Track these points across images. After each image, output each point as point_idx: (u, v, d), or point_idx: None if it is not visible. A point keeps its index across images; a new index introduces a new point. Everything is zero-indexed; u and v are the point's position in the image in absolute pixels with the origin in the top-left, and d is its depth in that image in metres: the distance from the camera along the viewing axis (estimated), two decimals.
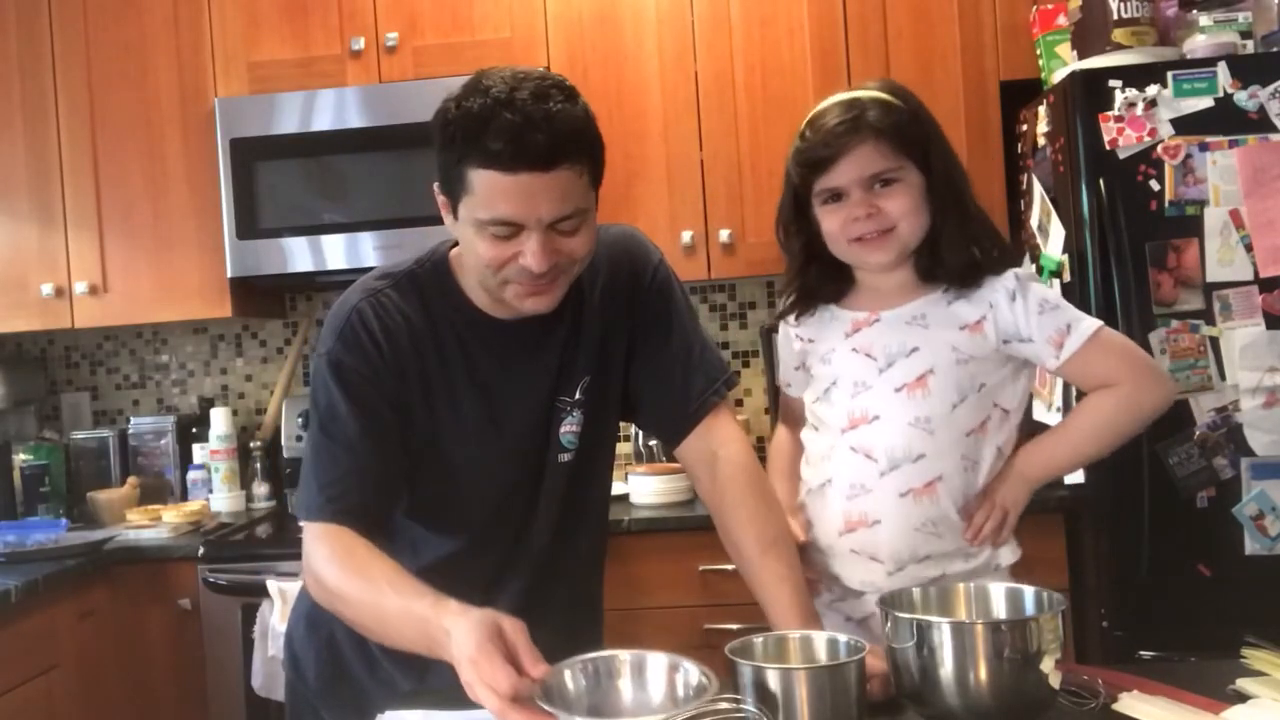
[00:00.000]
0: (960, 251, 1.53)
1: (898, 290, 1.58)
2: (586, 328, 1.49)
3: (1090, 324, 1.51)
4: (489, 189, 1.30)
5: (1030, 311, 1.51)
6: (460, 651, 1.14)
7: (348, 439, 1.40)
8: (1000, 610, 1.30)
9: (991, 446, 1.55)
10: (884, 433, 1.55)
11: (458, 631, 1.16)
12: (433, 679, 1.49)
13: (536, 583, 1.51)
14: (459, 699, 1.35)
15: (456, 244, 1.49)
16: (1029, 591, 1.28)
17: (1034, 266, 2.61)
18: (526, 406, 1.47)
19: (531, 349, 1.47)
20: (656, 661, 1.20)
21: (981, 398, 1.54)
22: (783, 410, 1.79)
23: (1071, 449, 1.58)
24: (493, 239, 1.33)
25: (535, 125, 1.26)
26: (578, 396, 1.49)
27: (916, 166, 1.52)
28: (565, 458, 1.50)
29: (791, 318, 1.67)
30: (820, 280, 1.62)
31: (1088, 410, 1.55)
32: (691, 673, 1.16)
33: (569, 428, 1.49)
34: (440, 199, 1.40)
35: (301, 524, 1.42)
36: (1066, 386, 2.43)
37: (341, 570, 1.35)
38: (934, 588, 1.35)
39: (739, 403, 3.18)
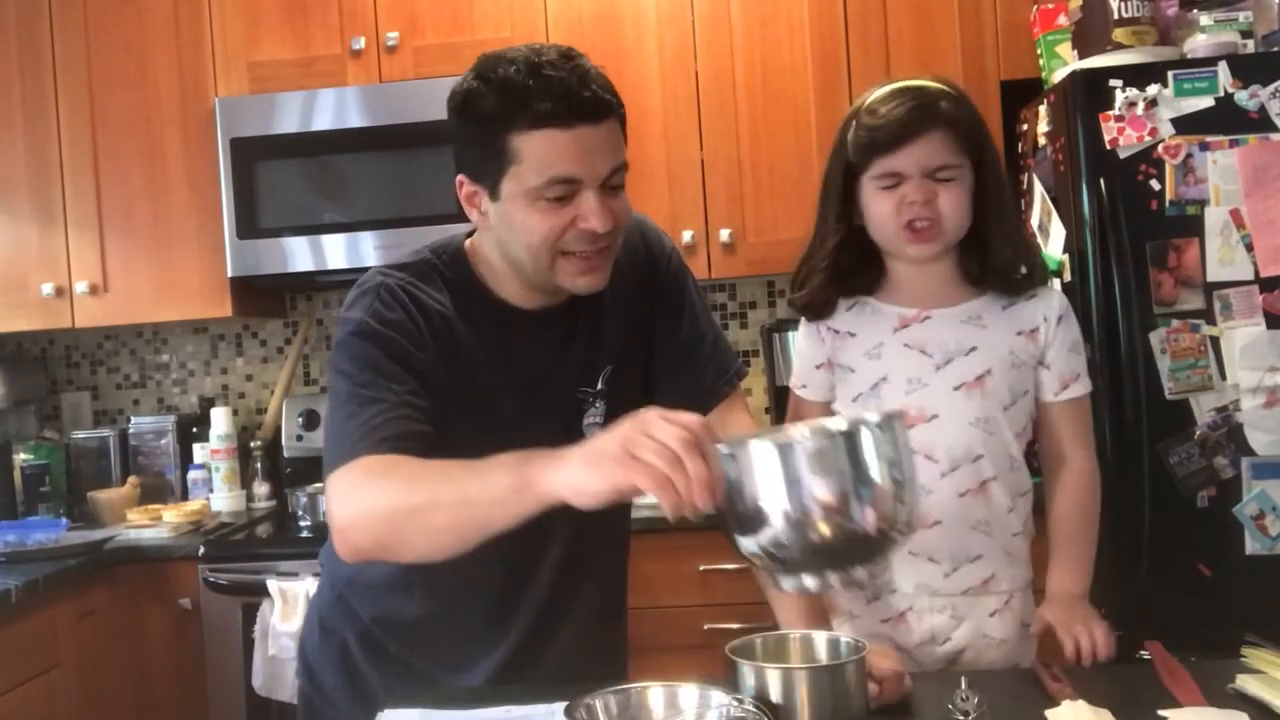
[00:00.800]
0: (1007, 254, 1.54)
1: (944, 288, 1.57)
2: (608, 316, 1.48)
3: (1084, 386, 1.58)
4: (544, 149, 1.27)
5: (1064, 343, 1.56)
6: (618, 428, 1.06)
7: (391, 388, 1.31)
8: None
9: (1026, 453, 1.59)
10: (945, 432, 1.53)
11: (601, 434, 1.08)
12: (450, 679, 1.48)
13: (561, 581, 1.49)
14: (461, 699, 1.35)
15: (471, 234, 1.48)
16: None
17: None
18: (550, 399, 1.45)
19: (555, 340, 1.45)
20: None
21: (1026, 402, 1.56)
22: (793, 418, 1.69)
23: (1087, 546, 1.59)
24: (547, 207, 1.30)
25: (580, 80, 1.27)
26: (600, 387, 1.48)
27: (972, 167, 1.52)
28: None
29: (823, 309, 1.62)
30: (854, 264, 1.58)
31: (1070, 511, 1.58)
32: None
33: (592, 419, 1.48)
34: (467, 190, 1.36)
35: (329, 480, 1.27)
36: None
37: (401, 480, 1.21)
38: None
39: None
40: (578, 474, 1.07)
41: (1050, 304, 1.55)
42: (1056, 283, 2.46)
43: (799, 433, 1.06)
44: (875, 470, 1.05)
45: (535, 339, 1.44)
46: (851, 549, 1.06)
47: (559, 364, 1.46)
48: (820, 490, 1.02)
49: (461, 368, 1.40)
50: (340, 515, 1.25)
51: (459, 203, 1.40)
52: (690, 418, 1.05)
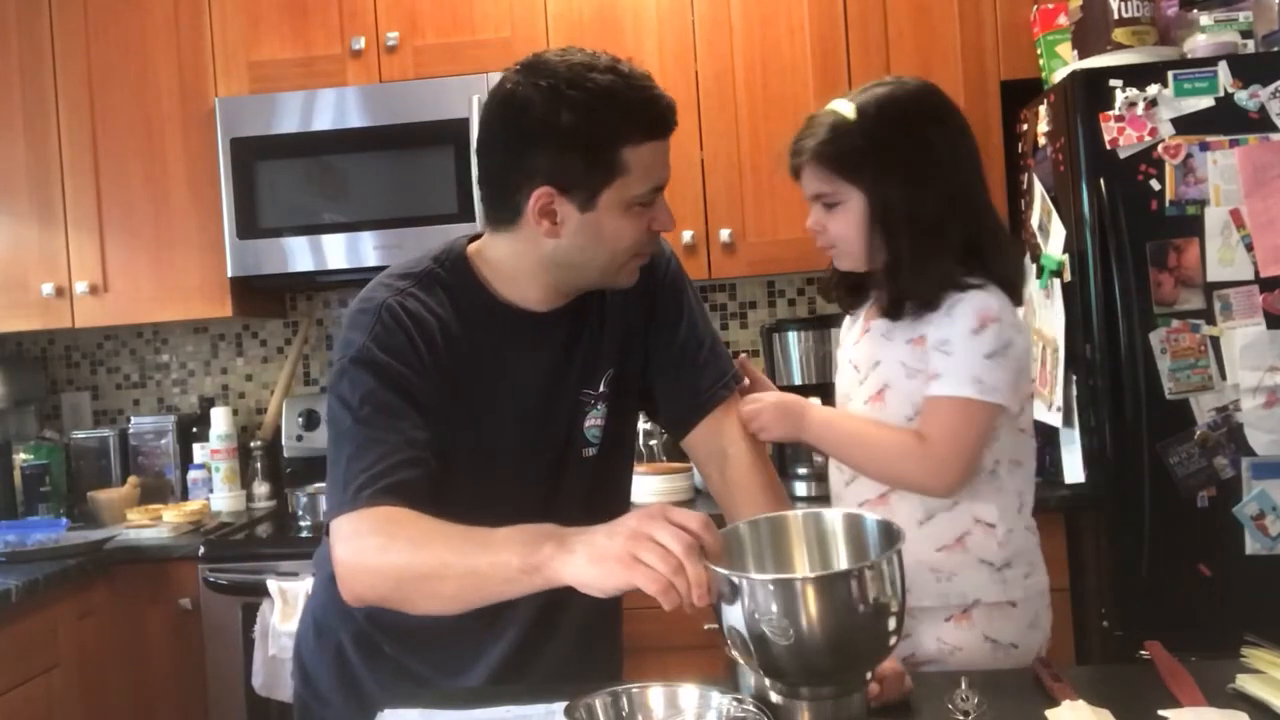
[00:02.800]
0: (898, 281, 1.51)
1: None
2: (610, 320, 1.49)
3: (946, 388, 1.47)
4: (651, 160, 1.34)
5: (931, 342, 1.50)
6: (623, 525, 1.10)
7: (392, 424, 1.31)
8: (840, 549, 1.22)
9: None
10: None
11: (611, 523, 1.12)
12: (446, 682, 1.48)
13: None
14: (460, 699, 1.35)
15: (472, 240, 1.47)
16: (870, 522, 1.20)
17: (1035, 266, 2.60)
18: (553, 400, 1.46)
19: (558, 341, 1.46)
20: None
21: None
22: None
23: (840, 440, 1.56)
24: (639, 213, 1.36)
25: (660, 93, 1.35)
26: (601, 390, 1.48)
27: (862, 190, 1.51)
28: (589, 452, 1.49)
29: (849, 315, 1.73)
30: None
31: (884, 433, 1.53)
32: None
33: (593, 422, 1.48)
34: (546, 201, 1.32)
35: (333, 523, 1.29)
36: (1067, 387, 2.43)
37: (407, 543, 1.22)
38: (765, 521, 1.26)
39: None
40: (585, 570, 1.09)
41: (941, 307, 1.50)
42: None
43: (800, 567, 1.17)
44: (871, 603, 1.05)
45: (541, 340, 1.45)
46: (836, 671, 1.09)
47: (564, 365, 1.46)
48: (813, 626, 1.04)
49: (464, 377, 1.41)
50: (346, 563, 1.27)
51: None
52: (693, 519, 1.08)
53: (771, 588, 1.04)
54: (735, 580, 1.05)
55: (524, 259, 1.40)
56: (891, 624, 1.07)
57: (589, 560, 1.09)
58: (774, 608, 1.03)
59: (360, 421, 1.31)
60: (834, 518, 1.22)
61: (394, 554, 1.23)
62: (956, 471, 1.47)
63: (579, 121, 1.29)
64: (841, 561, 1.20)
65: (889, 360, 1.55)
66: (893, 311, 1.54)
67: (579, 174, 1.31)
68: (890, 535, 1.14)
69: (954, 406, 1.47)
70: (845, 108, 1.53)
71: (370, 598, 1.27)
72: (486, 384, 1.42)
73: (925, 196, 1.49)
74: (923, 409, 1.50)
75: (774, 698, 1.15)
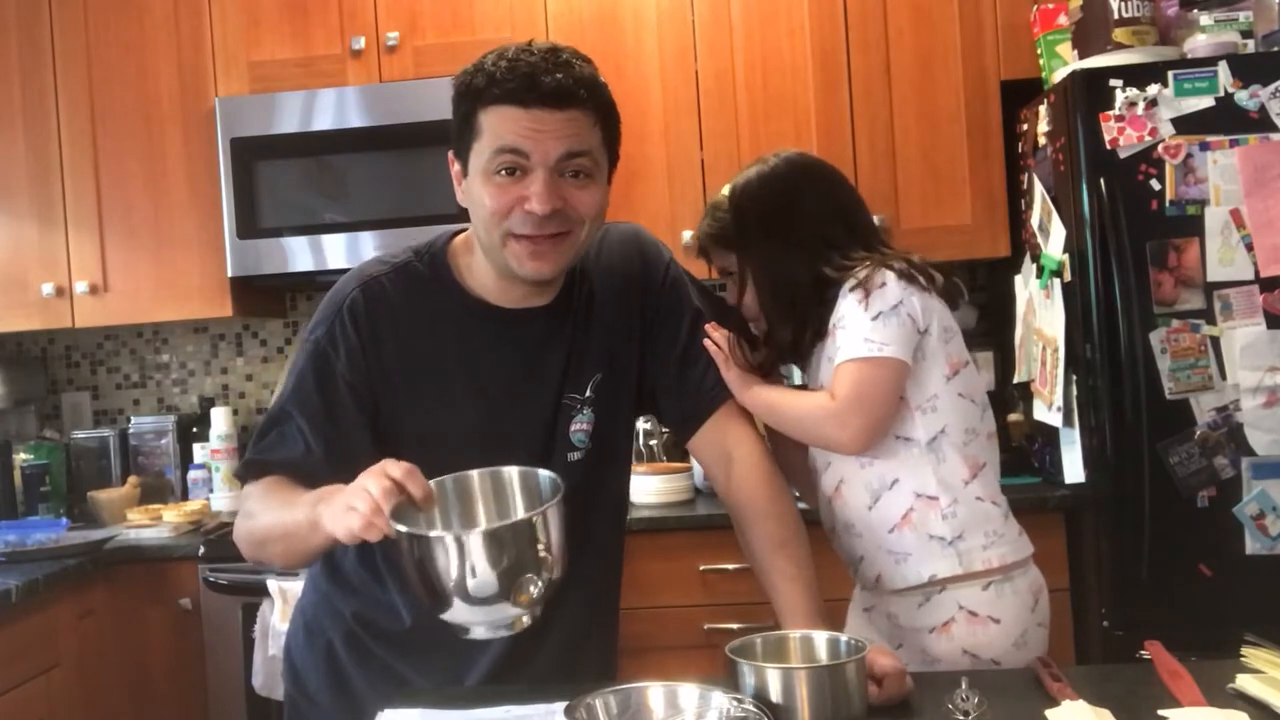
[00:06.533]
0: (791, 324, 1.61)
1: None
2: (597, 323, 1.49)
3: (844, 355, 1.54)
4: (499, 123, 1.33)
5: (834, 325, 1.58)
6: (363, 475, 1.21)
7: (313, 420, 1.42)
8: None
9: (896, 438, 1.56)
10: (806, 447, 1.65)
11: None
12: (436, 679, 1.48)
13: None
14: (460, 699, 1.35)
15: (457, 234, 1.49)
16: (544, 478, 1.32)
17: (1035, 266, 2.61)
18: (531, 404, 1.45)
19: (537, 343, 1.45)
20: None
21: None
22: None
23: (774, 406, 1.60)
24: (499, 182, 1.34)
25: (549, 68, 1.32)
26: (588, 394, 1.48)
27: (742, 256, 1.64)
28: (575, 456, 1.48)
29: None
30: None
31: (805, 398, 1.60)
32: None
33: (580, 426, 1.48)
34: (454, 171, 1.42)
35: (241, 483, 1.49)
36: (1067, 387, 2.43)
37: (259, 514, 1.41)
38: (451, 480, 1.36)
39: None
40: (331, 521, 1.23)
41: (836, 297, 1.59)
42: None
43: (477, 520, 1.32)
44: (536, 549, 1.20)
45: (510, 339, 1.45)
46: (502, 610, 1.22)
47: (538, 365, 1.46)
48: (481, 571, 1.18)
49: (423, 372, 1.43)
50: (234, 528, 1.47)
51: (458, 202, 1.41)
52: (398, 470, 1.20)
53: (415, 541, 1.19)
54: (399, 529, 1.19)
55: (475, 243, 1.45)
56: (543, 574, 1.20)
57: (332, 511, 1.23)
58: (417, 556, 1.19)
59: (291, 404, 1.44)
60: (510, 473, 1.34)
61: (249, 523, 1.42)
62: (859, 425, 1.53)
63: (458, 84, 1.37)
64: (518, 510, 1.32)
65: (817, 361, 1.63)
66: (798, 351, 1.63)
67: (456, 135, 1.39)
68: (555, 488, 1.25)
69: (851, 367, 1.53)
70: (720, 199, 1.68)
71: (253, 556, 1.46)
72: (454, 385, 1.43)
73: (773, 254, 1.61)
74: (835, 374, 1.56)
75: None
